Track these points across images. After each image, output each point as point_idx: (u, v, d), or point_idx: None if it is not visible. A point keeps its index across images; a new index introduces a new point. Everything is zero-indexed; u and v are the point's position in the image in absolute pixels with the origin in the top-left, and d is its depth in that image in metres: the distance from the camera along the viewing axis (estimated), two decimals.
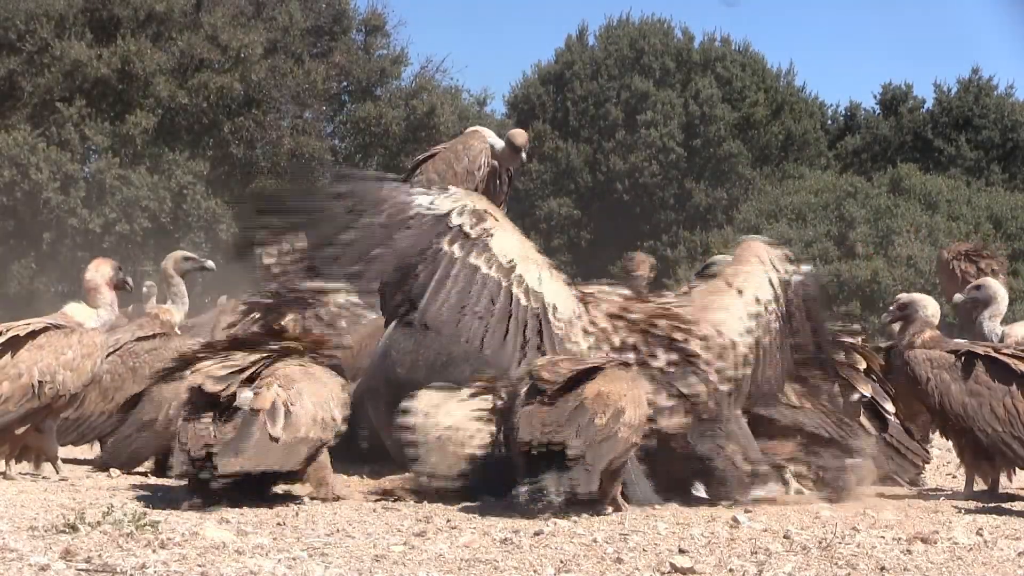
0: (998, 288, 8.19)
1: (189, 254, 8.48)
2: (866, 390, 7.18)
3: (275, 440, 5.41)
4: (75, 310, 6.89)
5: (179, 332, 8.01)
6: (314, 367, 5.86)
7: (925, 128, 32.02)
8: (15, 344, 6.50)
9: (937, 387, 6.66)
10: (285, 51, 25.58)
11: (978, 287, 8.27)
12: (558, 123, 31.07)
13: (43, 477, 6.67)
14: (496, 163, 8.03)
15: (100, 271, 7.01)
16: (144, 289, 14.63)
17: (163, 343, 7.80)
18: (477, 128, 8.61)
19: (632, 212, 30.34)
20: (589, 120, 30.83)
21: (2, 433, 6.47)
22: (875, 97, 33.86)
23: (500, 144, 8.06)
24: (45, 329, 6.62)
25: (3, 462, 6.67)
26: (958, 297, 8.47)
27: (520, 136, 8.18)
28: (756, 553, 4.58)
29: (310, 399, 5.62)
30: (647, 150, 29.90)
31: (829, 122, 34.28)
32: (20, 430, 6.52)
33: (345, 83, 27.18)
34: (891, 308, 7.61)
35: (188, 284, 8.01)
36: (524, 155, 8.15)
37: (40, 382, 6.48)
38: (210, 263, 8.39)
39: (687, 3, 55.64)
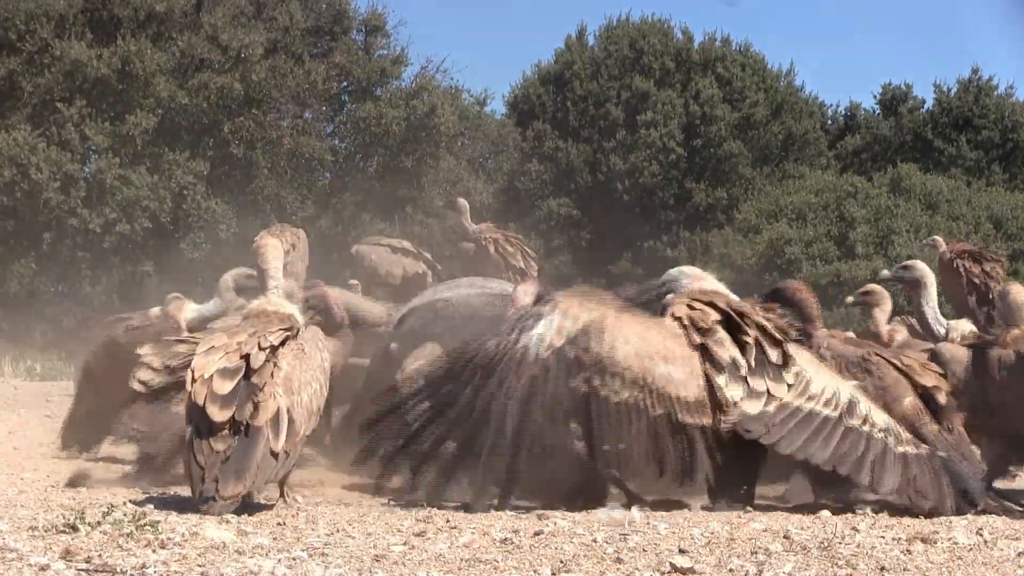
0: (925, 270, 7.83)
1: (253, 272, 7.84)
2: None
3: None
4: (282, 303, 6.06)
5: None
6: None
7: (925, 128, 32.00)
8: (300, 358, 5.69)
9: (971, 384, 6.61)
10: (285, 51, 25.55)
11: (906, 267, 7.92)
12: (558, 123, 31.03)
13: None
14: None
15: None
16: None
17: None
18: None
19: (632, 212, 30.32)
20: (589, 120, 30.81)
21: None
22: (875, 97, 33.90)
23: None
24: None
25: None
26: (884, 274, 8.30)
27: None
28: (756, 553, 4.58)
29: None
30: (647, 150, 29.87)
31: (829, 122, 34.26)
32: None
33: (345, 83, 27.15)
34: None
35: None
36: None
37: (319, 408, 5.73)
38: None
39: (687, 3, 55.63)
